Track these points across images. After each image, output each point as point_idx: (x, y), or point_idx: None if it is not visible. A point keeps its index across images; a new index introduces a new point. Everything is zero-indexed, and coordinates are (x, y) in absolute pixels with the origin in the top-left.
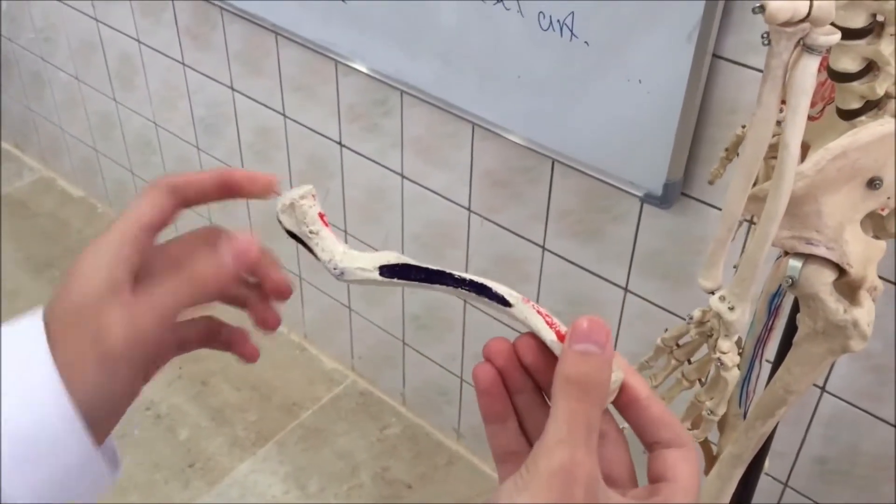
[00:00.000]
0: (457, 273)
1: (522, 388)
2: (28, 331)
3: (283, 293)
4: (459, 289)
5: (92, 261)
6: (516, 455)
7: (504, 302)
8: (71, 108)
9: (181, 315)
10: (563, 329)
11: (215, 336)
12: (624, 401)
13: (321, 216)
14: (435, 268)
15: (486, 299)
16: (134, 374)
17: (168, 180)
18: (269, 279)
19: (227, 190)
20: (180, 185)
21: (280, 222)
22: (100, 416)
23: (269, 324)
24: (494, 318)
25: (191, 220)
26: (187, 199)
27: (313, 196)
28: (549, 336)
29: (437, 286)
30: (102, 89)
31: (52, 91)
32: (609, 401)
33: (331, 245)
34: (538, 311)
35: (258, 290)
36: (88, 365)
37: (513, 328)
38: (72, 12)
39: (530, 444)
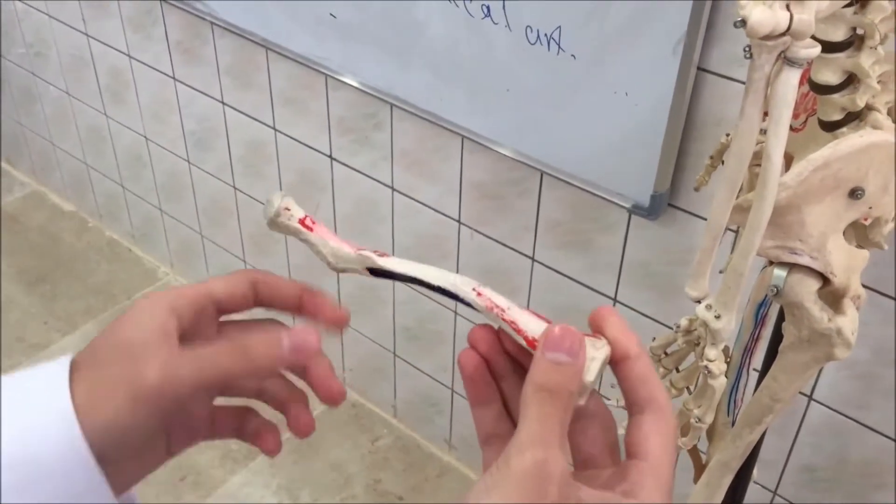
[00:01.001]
0: (428, 278)
1: (507, 373)
2: (53, 366)
3: (334, 397)
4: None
5: (146, 307)
6: (500, 438)
7: (474, 308)
8: (62, 122)
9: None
10: (531, 335)
11: (245, 425)
12: (615, 357)
13: (302, 222)
14: (411, 274)
15: (461, 302)
16: (158, 424)
17: (256, 275)
18: (320, 380)
19: (303, 309)
20: (264, 282)
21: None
22: (117, 457)
23: (302, 428)
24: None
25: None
26: (265, 298)
27: (287, 209)
28: (519, 340)
29: (416, 285)
30: (93, 104)
31: (42, 106)
32: (597, 376)
33: (320, 247)
34: (504, 320)
35: (296, 392)
36: (115, 398)
37: None
38: (62, 27)
39: (515, 425)
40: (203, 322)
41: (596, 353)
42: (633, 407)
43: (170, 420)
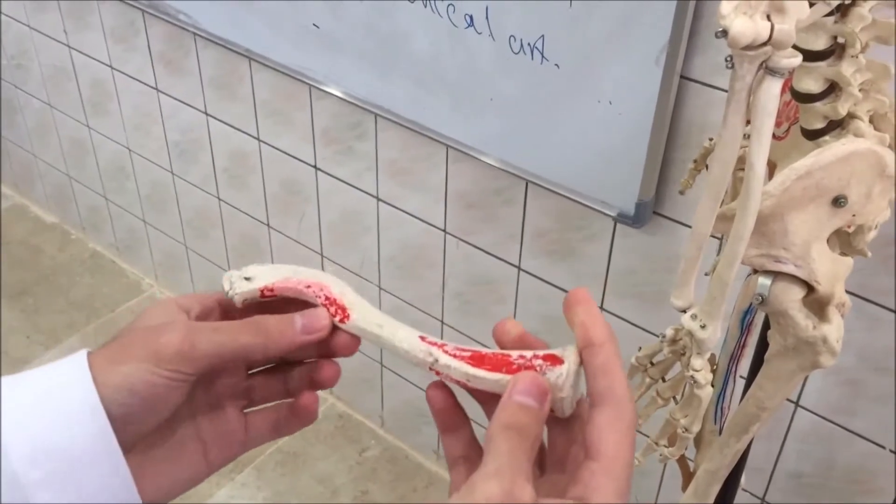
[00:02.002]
0: (387, 348)
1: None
2: (72, 359)
3: (329, 380)
4: None
5: (156, 307)
6: (468, 460)
7: None
8: (44, 134)
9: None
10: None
11: (288, 380)
12: (581, 345)
13: (263, 296)
14: (368, 340)
15: None
16: (177, 391)
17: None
18: (322, 363)
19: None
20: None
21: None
22: (140, 426)
23: (310, 406)
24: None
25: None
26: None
27: (244, 301)
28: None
29: None
30: (75, 115)
31: (24, 118)
32: (571, 402)
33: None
34: (469, 390)
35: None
36: (134, 359)
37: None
38: (44, 39)
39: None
40: (222, 309)
41: (563, 393)
42: (592, 398)
43: (194, 400)
